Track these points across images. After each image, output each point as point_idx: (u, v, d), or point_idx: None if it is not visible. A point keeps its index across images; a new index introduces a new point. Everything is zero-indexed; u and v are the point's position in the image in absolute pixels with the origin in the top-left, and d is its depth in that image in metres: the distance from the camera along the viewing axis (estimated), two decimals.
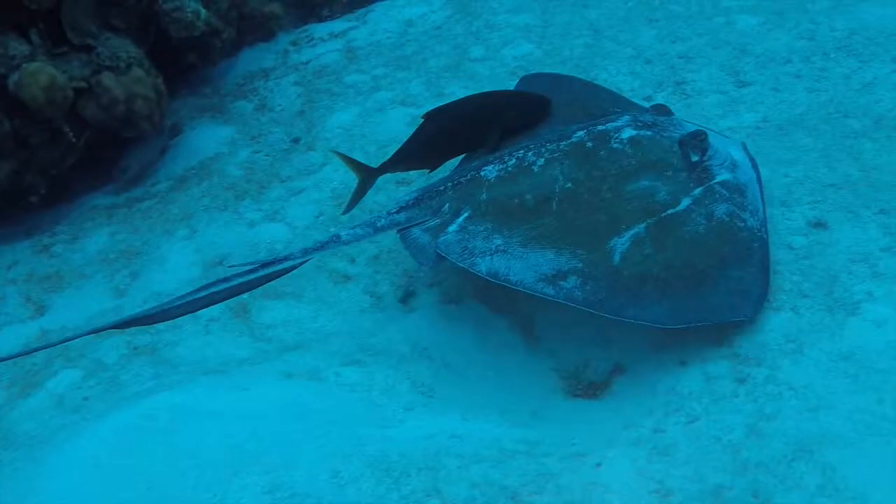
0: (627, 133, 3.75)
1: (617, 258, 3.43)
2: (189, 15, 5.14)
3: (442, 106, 4.22)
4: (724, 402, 3.33)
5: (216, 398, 3.35)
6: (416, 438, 3.24)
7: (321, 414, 3.32)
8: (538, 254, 3.47)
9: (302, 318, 4.09)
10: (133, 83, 4.93)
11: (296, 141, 5.26)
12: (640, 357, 3.71)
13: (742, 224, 3.57)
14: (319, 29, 6.31)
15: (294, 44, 6.19)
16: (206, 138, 5.42)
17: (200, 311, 3.79)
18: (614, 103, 4.25)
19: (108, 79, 4.91)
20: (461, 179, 3.81)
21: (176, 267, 4.53)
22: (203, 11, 5.20)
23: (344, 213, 4.36)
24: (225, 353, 3.87)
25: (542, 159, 3.72)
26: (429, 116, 4.13)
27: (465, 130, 4.13)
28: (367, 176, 4.24)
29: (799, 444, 3.04)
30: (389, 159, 4.24)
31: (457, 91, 5.21)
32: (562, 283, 3.38)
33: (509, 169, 3.75)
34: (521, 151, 3.79)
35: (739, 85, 4.94)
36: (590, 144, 3.72)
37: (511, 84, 4.85)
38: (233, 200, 4.89)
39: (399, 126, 4.99)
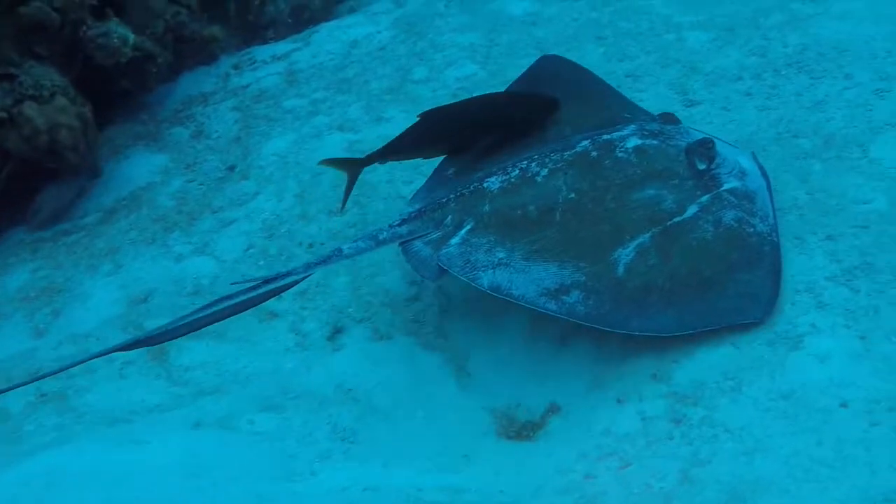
0: (633, 142, 3.69)
1: (621, 270, 3.38)
2: (115, 41, 4.95)
3: (442, 106, 4.11)
4: (659, 445, 3.18)
5: (106, 456, 3.16)
6: (325, 493, 3.05)
7: (223, 469, 3.13)
8: (541, 267, 3.42)
9: (223, 359, 3.91)
10: (56, 112, 4.74)
11: (231, 169, 5.07)
12: (576, 395, 3.56)
13: (751, 230, 3.50)
14: (262, 51, 6.11)
15: (236, 67, 5.99)
16: (140, 167, 5.23)
17: (116, 354, 3.58)
18: (623, 108, 4.16)
19: (30, 108, 4.72)
20: (464, 191, 3.73)
21: (99, 304, 4.35)
22: (131, 37, 5.01)
23: (340, 212, 4.28)
24: (136, 399, 3.68)
25: (546, 169, 3.66)
26: (425, 115, 3.98)
27: (459, 131, 4.00)
28: (354, 168, 4.12)
29: (732, 492, 2.89)
30: (378, 150, 4.10)
31: (396, 115, 5.04)
32: (564, 297, 3.35)
33: (512, 180, 3.69)
34: (525, 162, 3.73)
35: (688, 104, 4.76)
36: (594, 154, 3.67)
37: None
38: (161, 233, 4.69)
39: (335, 152, 4.79)
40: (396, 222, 3.75)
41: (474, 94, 4.97)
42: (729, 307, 3.35)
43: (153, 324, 4.08)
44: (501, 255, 3.48)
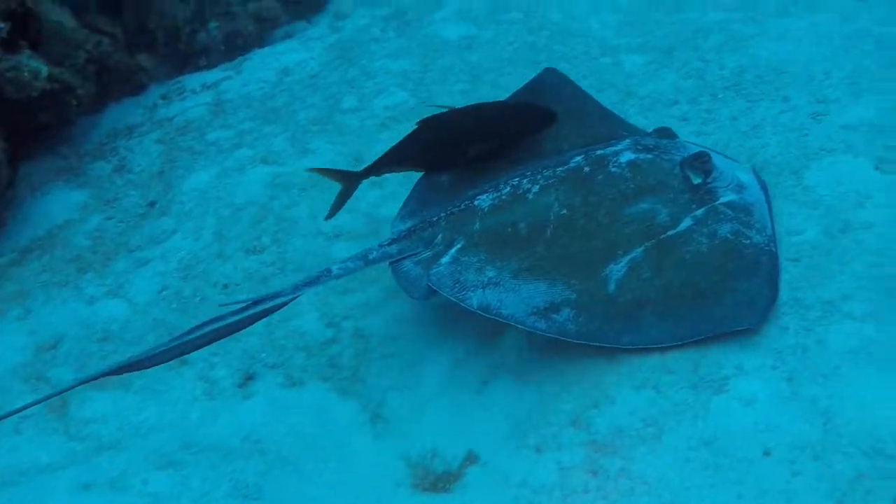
0: (626, 157, 3.63)
1: (612, 286, 3.32)
2: (26, 75, 4.76)
3: (438, 114, 3.94)
4: (575, 499, 3.03)
5: None
6: None
7: None
8: (531, 286, 3.36)
9: (126, 411, 3.71)
10: None
11: (152, 205, 4.88)
12: (495, 442, 3.39)
13: (748, 241, 3.43)
14: (192, 80, 5.93)
15: (164, 97, 5.80)
16: (58, 204, 5.02)
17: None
18: (620, 125, 4.11)
19: None
20: (454, 209, 3.67)
21: (3, 352, 4.12)
22: (44, 70, 4.81)
23: (327, 219, 4.06)
24: (30, 457, 3.48)
25: (538, 186, 3.60)
26: (423, 124, 3.85)
27: (458, 140, 3.89)
28: (350, 182, 3.99)
29: None
30: (374, 163, 3.97)
31: (321, 146, 4.87)
32: (554, 315, 3.29)
33: (503, 197, 3.63)
34: (517, 178, 3.68)
35: None
36: (587, 169, 3.61)
37: (379, 137, 4.48)
38: (74, 274, 4.49)
39: (256, 188, 4.61)
40: (386, 242, 3.67)
41: (402, 123, 4.81)
42: (724, 315, 3.27)
43: (59, 373, 3.90)
44: (491, 273, 3.42)
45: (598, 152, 3.70)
